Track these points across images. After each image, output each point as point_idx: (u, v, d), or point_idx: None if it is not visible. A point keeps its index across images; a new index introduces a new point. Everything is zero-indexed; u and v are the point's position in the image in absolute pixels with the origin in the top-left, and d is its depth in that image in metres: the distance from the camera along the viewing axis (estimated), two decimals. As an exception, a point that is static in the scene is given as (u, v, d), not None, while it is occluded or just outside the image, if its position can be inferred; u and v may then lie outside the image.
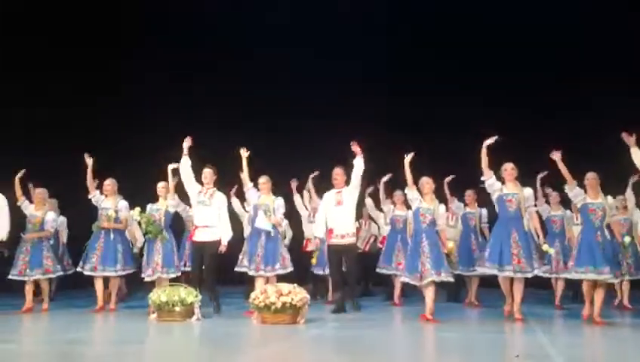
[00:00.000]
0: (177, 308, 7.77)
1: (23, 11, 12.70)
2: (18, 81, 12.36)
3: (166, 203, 9.33)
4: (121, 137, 13.21)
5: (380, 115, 13.34)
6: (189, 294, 7.88)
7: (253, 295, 7.73)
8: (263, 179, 9.35)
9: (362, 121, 12.61)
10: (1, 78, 12.01)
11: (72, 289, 11.10)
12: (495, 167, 8.38)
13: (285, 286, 7.74)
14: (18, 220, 9.41)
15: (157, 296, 7.86)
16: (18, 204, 9.45)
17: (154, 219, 9.21)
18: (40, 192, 9.54)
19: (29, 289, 9.27)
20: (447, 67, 13.31)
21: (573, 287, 10.30)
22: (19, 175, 9.47)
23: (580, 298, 9.49)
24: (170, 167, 9.19)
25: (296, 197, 10.88)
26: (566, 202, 9.46)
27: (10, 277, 9.35)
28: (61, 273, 9.74)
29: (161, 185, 9.38)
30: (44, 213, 9.47)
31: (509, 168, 8.32)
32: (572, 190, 8.18)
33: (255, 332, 7.36)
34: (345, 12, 13.67)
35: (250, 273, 9.12)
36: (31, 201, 9.57)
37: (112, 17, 13.51)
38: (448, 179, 10.49)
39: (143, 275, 9.30)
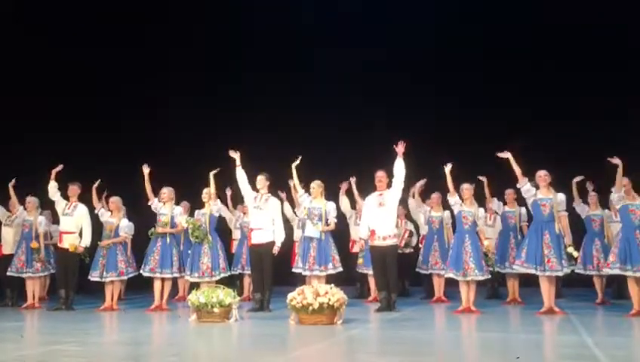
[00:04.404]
0: (216, 309, 7.58)
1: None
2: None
3: (210, 208, 9.48)
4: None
5: (426, 115, 12.93)
6: (227, 295, 7.69)
7: (290, 296, 7.47)
8: (315, 184, 9.42)
9: (407, 120, 12.31)
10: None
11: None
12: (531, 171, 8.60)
13: (322, 287, 7.44)
14: (95, 227, 9.80)
15: (196, 297, 7.68)
16: (96, 211, 9.75)
17: (200, 223, 9.35)
18: (115, 200, 9.71)
19: (108, 290, 9.50)
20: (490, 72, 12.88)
21: (616, 284, 10.07)
22: (95, 185, 9.77)
23: (624, 294, 9.27)
24: (212, 173, 9.35)
25: (343, 199, 10.69)
26: (603, 202, 9.67)
27: (90, 278, 9.62)
28: (132, 275, 9.86)
29: (204, 191, 9.57)
30: (118, 219, 9.66)
31: (542, 175, 8.53)
32: (619, 193, 8.44)
33: (292, 333, 7.04)
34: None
35: (305, 273, 9.29)
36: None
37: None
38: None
39: (187, 276, 9.49)
